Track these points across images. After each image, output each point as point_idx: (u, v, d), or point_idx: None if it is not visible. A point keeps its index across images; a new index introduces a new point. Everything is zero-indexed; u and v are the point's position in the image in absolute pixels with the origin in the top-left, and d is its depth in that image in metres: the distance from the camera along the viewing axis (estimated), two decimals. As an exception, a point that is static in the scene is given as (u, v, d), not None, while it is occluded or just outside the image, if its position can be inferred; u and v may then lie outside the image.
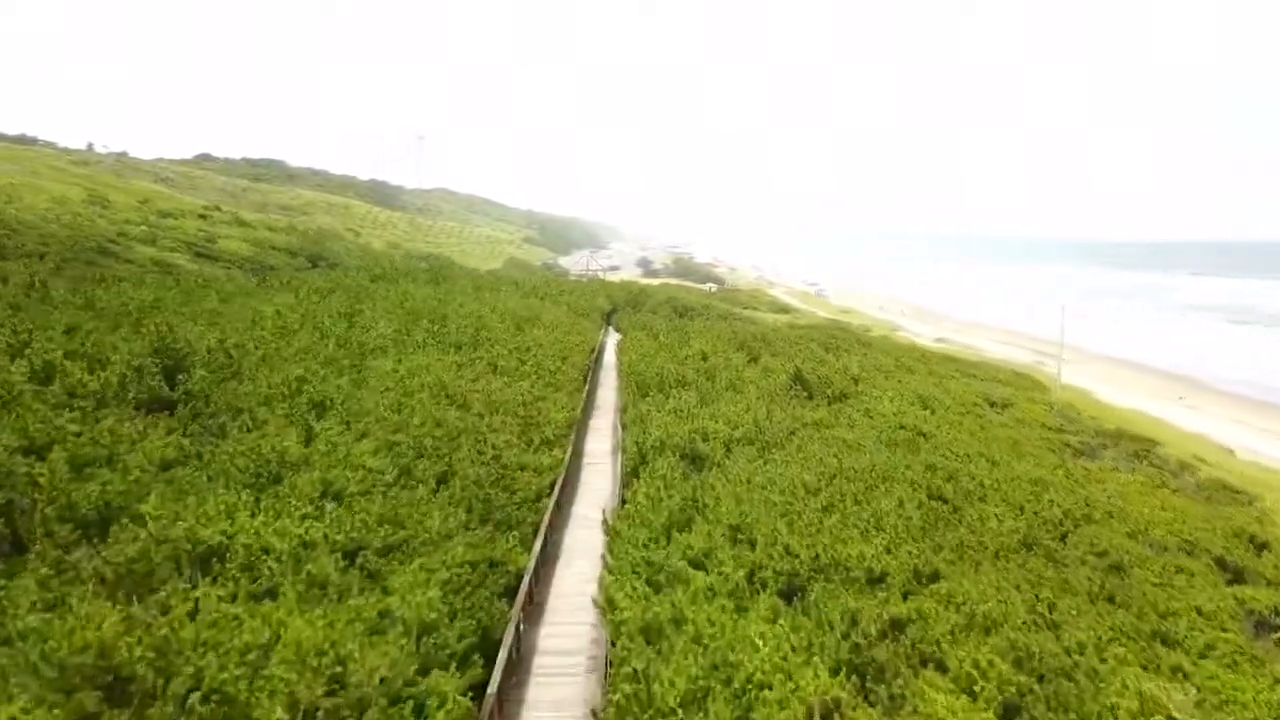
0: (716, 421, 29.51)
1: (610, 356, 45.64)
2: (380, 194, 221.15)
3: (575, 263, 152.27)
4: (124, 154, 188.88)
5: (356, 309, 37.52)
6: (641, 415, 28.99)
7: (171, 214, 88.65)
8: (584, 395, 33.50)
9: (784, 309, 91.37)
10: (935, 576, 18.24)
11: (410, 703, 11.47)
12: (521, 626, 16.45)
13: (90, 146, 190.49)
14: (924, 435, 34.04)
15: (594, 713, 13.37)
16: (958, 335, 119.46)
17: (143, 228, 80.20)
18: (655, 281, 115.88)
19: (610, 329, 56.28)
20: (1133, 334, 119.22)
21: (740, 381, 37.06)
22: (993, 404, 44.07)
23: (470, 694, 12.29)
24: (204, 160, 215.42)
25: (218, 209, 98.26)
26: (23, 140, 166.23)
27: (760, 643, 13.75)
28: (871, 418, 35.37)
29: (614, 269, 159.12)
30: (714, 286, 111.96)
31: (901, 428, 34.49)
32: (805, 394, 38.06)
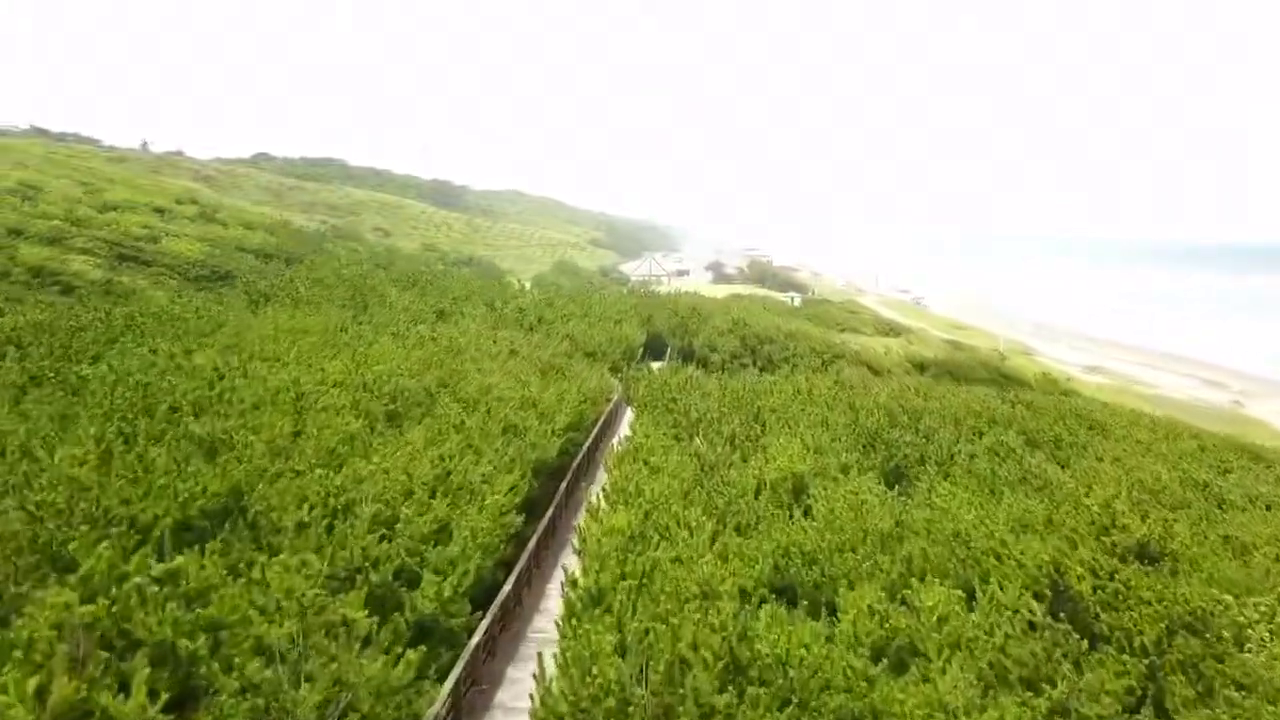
0: None
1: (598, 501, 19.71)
2: (442, 194, 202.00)
3: (637, 267, 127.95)
4: (179, 152, 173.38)
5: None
6: None
7: (118, 207, 67.69)
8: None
9: (891, 329, 65.81)
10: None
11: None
12: None
13: (144, 145, 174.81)
14: None
15: None
16: (1106, 360, 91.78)
17: (56, 223, 59.10)
18: (725, 290, 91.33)
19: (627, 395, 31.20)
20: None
21: (930, 631, 12.58)
22: None
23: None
24: (261, 159, 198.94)
25: (194, 202, 77.25)
26: (62, 138, 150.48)
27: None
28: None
29: (682, 273, 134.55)
30: (797, 297, 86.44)
31: None
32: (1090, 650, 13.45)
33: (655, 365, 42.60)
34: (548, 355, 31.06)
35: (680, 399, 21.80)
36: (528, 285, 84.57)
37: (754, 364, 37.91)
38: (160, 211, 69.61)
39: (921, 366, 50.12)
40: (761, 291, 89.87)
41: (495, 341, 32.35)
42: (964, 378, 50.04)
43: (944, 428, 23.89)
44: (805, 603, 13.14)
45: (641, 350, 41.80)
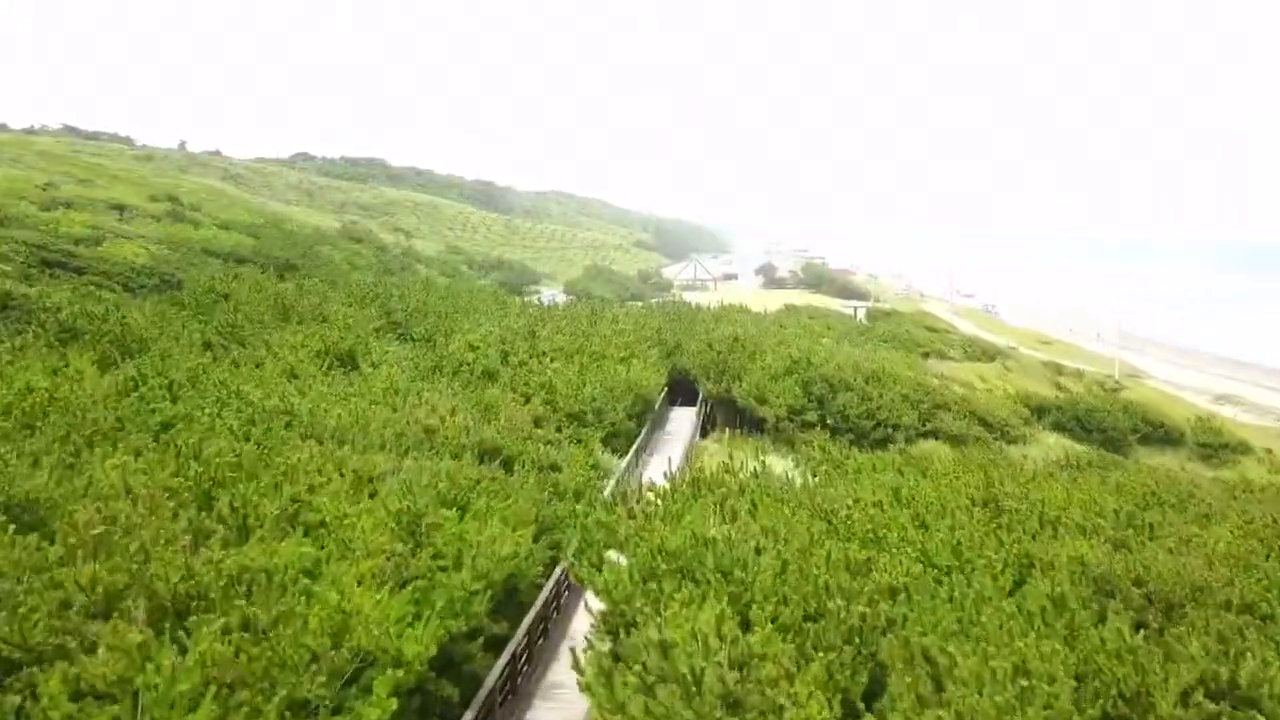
0: None
1: None
2: (485, 195, 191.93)
3: (681, 271, 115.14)
4: (216, 152, 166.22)
5: None
6: None
7: (70, 204, 56.89)
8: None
9: (984, 351, 52.00)
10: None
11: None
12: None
13: (181, 144, 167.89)
14: None
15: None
16: (1219, 379, 76.65)
17: (-24, 223, 48.32)
18: (777, 296, 78.19)
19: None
20: None
21: None
22: None
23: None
24: (300, 159, 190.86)
25: (170, 199, 66.10)
26: (95, 136, 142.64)
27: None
28: None
29: (730, 277, 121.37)
30: (861, 307, 72.62)
31: None
32: None
33: (681, 415, 29.86)
34: (492, 432, 18.51)
35: (688, 613, 8.85)
36: (557, 295, 72.18)
37: (822, 424, 25.12)
38: (120, 209, 58.65)
39: (1039, 410, 36.69)
40: (819, 300, 76.39)
41: (421, 403, 19.90)
42: (1097, 428, 36.53)
43: (1247, 642, 10.80)
44: None
45: (662, 394, 29.11)
